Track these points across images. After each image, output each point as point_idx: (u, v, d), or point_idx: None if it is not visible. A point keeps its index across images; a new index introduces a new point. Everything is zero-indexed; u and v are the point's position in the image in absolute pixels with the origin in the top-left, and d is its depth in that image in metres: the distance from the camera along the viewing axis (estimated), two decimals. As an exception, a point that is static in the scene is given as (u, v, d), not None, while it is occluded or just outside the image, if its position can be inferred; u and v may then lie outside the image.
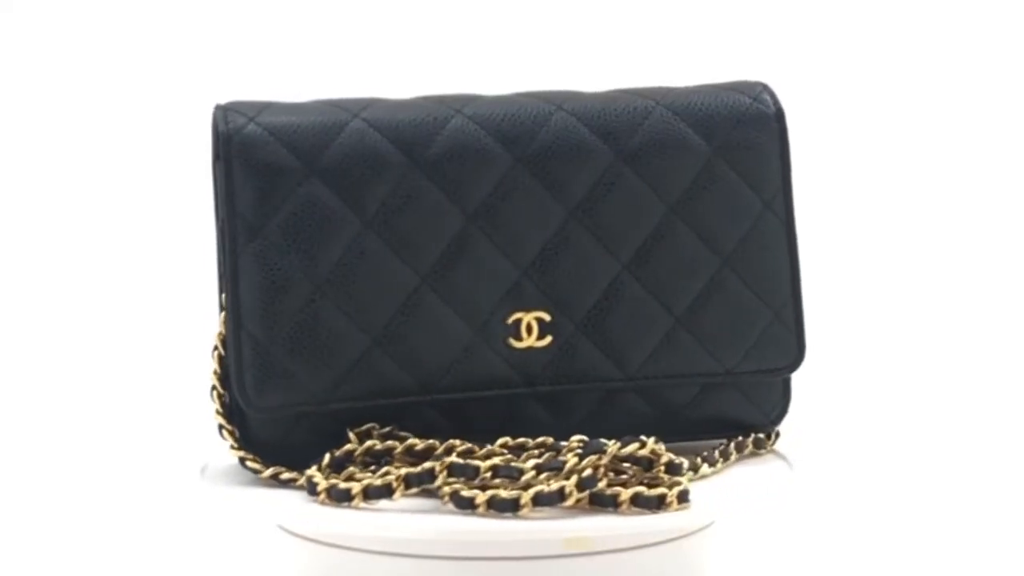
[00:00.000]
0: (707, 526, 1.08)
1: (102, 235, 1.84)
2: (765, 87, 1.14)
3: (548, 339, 1.08)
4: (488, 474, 0.98)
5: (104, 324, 1.82)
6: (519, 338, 1.07)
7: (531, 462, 0.98)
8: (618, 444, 0.98)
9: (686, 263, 1.10)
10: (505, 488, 0.97)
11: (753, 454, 1.13)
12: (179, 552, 1.37)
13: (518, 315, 1.07)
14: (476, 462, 0.99)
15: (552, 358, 1.08)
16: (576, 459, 0.97)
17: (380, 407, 1.06)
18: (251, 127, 1.03)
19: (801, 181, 1.16)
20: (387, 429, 1.06)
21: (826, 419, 1.23)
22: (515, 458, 1.01)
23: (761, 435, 1.14)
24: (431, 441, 1.03)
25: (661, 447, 1.00)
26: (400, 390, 1.05)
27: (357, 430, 1.05)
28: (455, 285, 1.06)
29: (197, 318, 1.32)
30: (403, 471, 0.99)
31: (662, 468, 1.00)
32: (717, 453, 1.09)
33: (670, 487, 0.97)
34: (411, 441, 1.04)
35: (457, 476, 0.98)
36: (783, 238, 1.13)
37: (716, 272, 1.10)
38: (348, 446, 1.04)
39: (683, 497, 0.97)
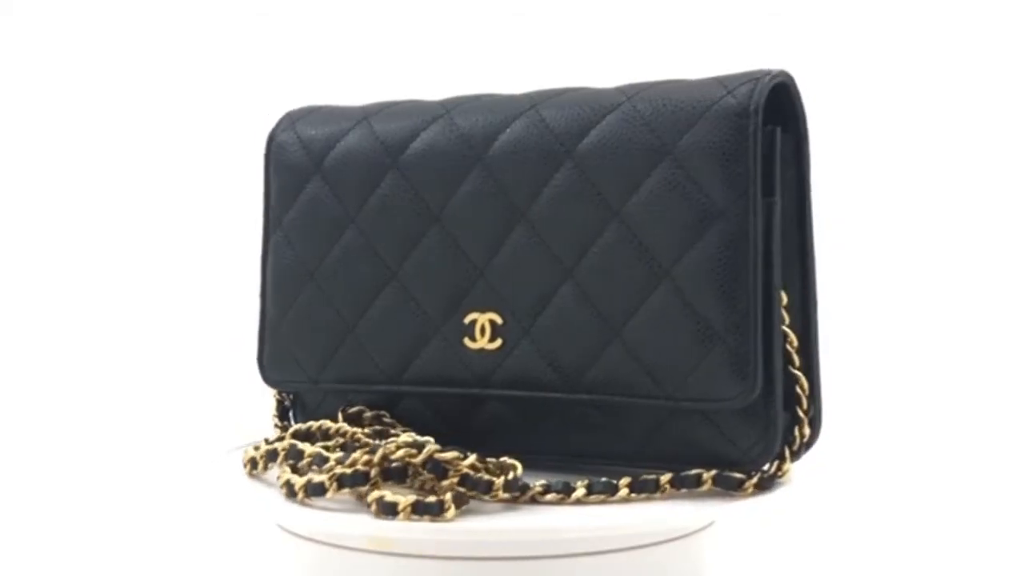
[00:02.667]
0: (707, 526, 1.04)
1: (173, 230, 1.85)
2: (757, 78, 0.99)
3: (498, 342, 1.06)
4: (307, 460, 1.04)
5: (105, 327, 1.82)
6: (474, 339, 1.07)
7: (337, 454, 1.02)
8: (393, 446, 0.99)
9: (628, 274, 1.00)
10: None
11: (718, 493, 1.00)
12: (180, 551, 1.44)
13: (474, 316, 1.07)
14: (306, 447, 1.05)
15: (502, 362, 1.06)
16: (358, 455, 1.00)
17: (381, 393, 1.13)
18: (287, 132, 1.17)
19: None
20: (373, 414, 1.13)
21: (824, 421, 1.04)
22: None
23: (733, 473, 1.00)
24: (353, 429, 1.10)
25: (451, 455, 0.97)
26: (373, 378, 1.11)
27: (349, 411, 1.14)
28: (421, 282, 1.09)
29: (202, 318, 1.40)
30: (264, 450, 1.08)
31: (455, 480, 0.98)
32: (623, 482, 1.00)
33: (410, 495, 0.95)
34: (340, 424, 1.11)
35: (290, 460, 1.05)
36: (745, 252, 0.97)
37: (657, 286, 0.99)
38: (307, 423, 1.13)
39: (418, 508, 0.94)
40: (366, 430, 1.08)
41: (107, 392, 1.73)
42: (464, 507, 0.96)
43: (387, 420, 1.11)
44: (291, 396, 1.19)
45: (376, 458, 0.97)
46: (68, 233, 1.80)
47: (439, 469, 0.97)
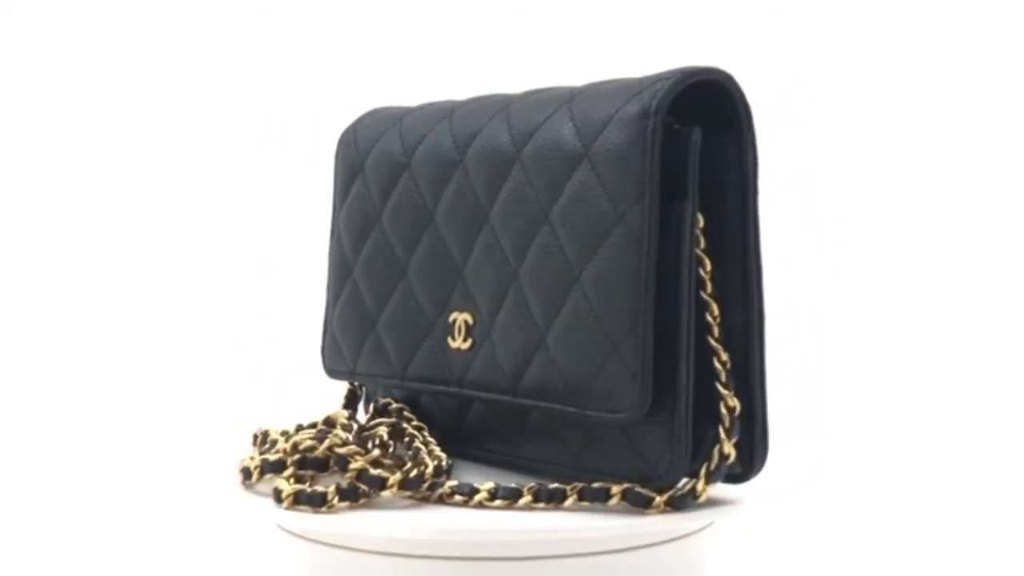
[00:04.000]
0: (706, 526, 1.04)
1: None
2: (668, 78, 0.94)
3: (469, 342, 1.07)
4: (267, 446, 1.11)
5: (107, 327, 1.77)
6: (454, 338, 1.09)
7: (289, 443, 1.08)
8: (302, 436, 1.05)
9: (552, 279, 0.98)
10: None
11: (626, 509, 0.97)
12: (180, 551, 1.43)
13: (454, 315, 1.08)
14: (273, 434, 1.12)
15: (471, 362, 1.07)
16: (280, 444, 1.06)
17: (394, 387, 1.17)
18: (350, 131, 1.24)
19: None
20: (397, 407, 1.16)
21: (823, 422, 0.99)
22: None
23: (642, 490, 0.96)
24: (342, 420, 1.16)
25: (349, 450, 1.00)
26: (386, 373, 1.15)
27: (380, 403, 1.18)
28: (420, 280, 1.11)
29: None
30: (249, 436, 1.16)
31: (353, 474, 1.02)
32: (527, 488, 0.99)
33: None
34: (339, 414, 1.17)
35: (264, 445, 1.13)
36: (630, 258, 0.93)
37: (570, 291, 0.97)
38: (335, 412, 1.19)
39: (300, 499, 0.98)
40: (352, 422, 1.10)
41: (108, 392, 1.79)
42: (363, 501, 0.98)
43: (406, 414, 1.13)
44: (362, 386, 1.23)
45: (288, 447, 1.00)
46: (70, 235, 1.92)
47: (342, 462, 0.99)
